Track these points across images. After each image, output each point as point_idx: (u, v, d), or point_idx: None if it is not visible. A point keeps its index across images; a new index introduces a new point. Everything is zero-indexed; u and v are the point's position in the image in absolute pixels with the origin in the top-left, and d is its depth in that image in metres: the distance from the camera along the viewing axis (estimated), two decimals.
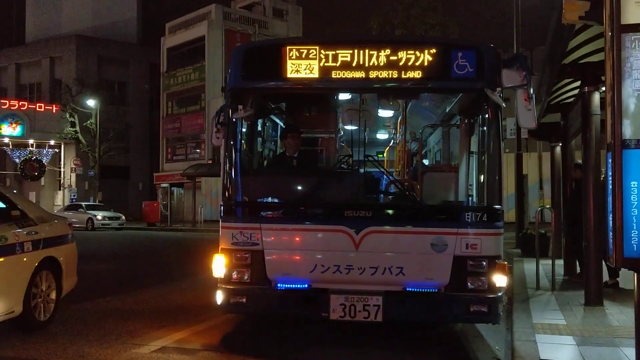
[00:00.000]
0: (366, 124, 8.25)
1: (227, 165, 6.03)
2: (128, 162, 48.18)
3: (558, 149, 13.71)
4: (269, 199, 6.34)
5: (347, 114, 7.50)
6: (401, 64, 5.76)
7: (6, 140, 43.00)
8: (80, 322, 7.48)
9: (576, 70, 8.34)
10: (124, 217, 34.31)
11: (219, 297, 5.95)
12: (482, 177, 5.92)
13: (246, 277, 5.86)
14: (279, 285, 5.86)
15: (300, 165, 7.03)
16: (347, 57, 5.79)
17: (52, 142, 43.94)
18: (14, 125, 43.14)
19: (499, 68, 5.69)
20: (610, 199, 4.34)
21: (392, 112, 7.91)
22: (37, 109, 44.16)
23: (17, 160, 41.99)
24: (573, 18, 5.74)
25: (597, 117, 7.96)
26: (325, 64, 5.82)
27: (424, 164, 7.71)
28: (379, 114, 7.98)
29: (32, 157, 42.01)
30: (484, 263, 5.60)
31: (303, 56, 5.84)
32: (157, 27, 46.42)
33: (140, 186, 47.83)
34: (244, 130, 6.50)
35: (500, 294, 5.69)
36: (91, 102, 40.60)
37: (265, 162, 7.75)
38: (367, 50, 5.77)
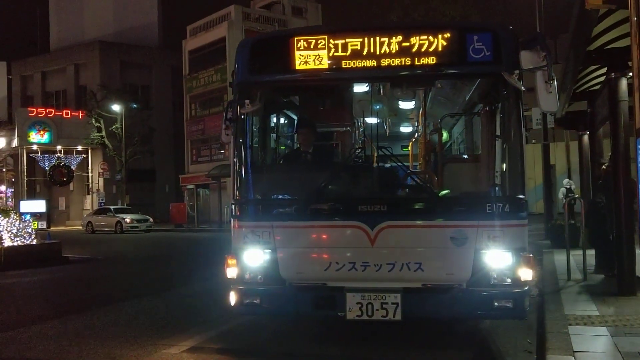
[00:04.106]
0: (386, 116, 7.99)
1: (237, 162, 5.85)
2: (154, 165, 48.69)
3: (586, 138, 13.50)
4: (281, 196, 6.16)
5: (359, 105, 7.18)
6: (414, 50, 5.46)
7: (35, 147, 43.94)
8: (111, 324, 7.58)
9: (602, 57, 8.19)
10: (151, 219, 34.70)
11: (232, 298, 5.78)
12: (503, 165, 5.60)
13: (259, 277, 5.68)
14: (293, 284, 5.65)
15: (312, 161, 6.75)
16: (357, 45, 5.53)
17: (79, 148, 44.76)
18: (41, 132, 44.06)
19: (517, 50, 5.34)
20: None
21: (412, 103, 7.72)
22: (64, 115, 45.06)
23: (46, 167, 42.82)
24: (597, 2, 5.62)
25: (624, 104, 7.80)
26: (335, 54, 5.57)
27: (443, 155, 7.48)
28: (400, 106, 7.81)
29: (60, 163, 42.84)
30: (508, 256, 5.30)
31: (311, 47, 5.60)
32: (178, 30, 46.83)
33: (167, 188, 48.31)
34: (253, 126, 6.32)
35: (526, 288, 5.37)
36: (116, 107, 41.16)
37: (276, 158, 7.53)
38: (377, 38, 5.50)
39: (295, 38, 5.68)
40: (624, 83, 7.77)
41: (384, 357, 5.92)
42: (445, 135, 9.24)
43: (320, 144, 7.36)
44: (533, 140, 30.56)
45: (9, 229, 15.02)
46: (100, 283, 12.29)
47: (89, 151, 45.82)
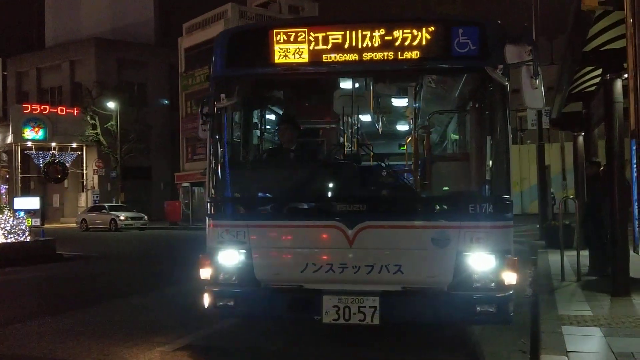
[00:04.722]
0: (371, 113, 7.80)
1: (213, 159, 5.64)
2: (149, 163, 48.50)
3: (580, 139, 13.56)
4: (256, 195, 5.96)
5: (340, 101, 6.97)
6: (397, 44, 5.27)
7: (29, 144, 43.80)
8: (105, 321, 7.57)
9: (598, 58, 8.23)
10: (146, 217, 34.63)
11: (206, 299, 5.60)
12: (488, 164, 5.36)
13: (234, 279, 5.49)
14: (268, 286, 5.45)
15: (290, 158, 6.51)
16: (338, 38, 5.33)
17: (74, 145, 44.60)
18: (36, 129, 43.88)
19: (502, 44, 5.15)
20: (635, 186, 4.26)
21: (405, 100, 7.58)
22: (59, 112, 44.90)
23: (40, 164, 42.66)
24: (593, 4, 5.64)
25: (620, 105, 7.84)
26: (315, 47, 5.36)
27: (430, 154, 7.32)
28: (392, 103, 7.68)
29: (55, 160, 42.66)
30: (491, 259, 5.08)
31: (291, 40, 5.39)
32: (174, 27, 46.70)
33: (162, 186, 48.20)
34: (230, 121, 6.11)
35: (510, 293, 5.15)
36: (111, 104, 41.06)
37: (254, 156, 7.24)
38: (359, 31, 5.30)
39: (275, 30, 5.47)
40: (619, 84, 7.81)
41: (373, 358, 5.89)
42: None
43: (301, 141, 7.11)
44: (528, 141, 30.65)
45: (2, 225, 14.98)
46: (94, 280, 12.26)
47: (84, 148, 45.66)
